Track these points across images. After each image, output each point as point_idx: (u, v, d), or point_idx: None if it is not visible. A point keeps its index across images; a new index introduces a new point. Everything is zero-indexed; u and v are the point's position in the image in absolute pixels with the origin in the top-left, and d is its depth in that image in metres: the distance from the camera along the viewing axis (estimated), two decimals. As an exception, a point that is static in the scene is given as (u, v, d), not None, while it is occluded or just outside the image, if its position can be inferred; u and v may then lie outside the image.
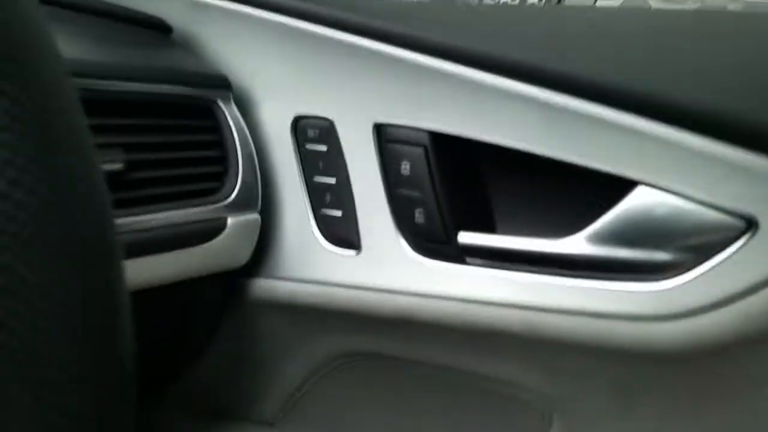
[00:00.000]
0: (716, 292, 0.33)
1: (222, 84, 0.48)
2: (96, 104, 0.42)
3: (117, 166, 0.42)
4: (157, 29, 0.50)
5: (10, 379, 0.18)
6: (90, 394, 0.20)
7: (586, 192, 0.36)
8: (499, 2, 0.76)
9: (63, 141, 0.21)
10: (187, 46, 0.50)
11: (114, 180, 0.42)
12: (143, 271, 0.44)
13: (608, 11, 0.47)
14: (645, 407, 0.42)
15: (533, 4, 0.75)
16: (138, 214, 0.43)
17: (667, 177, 0.33)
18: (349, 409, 0.55)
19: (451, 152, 0.41)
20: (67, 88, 0.22)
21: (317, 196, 0.47)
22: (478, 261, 0.41)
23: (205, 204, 0.47)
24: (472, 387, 0.47)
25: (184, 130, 0.47)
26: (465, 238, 0.41)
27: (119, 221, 0.42)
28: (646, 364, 0.39)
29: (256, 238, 0.50)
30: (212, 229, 0.47)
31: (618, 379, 0.41)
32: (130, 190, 0.43)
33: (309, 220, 0.48)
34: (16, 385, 0.18)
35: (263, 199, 0.49)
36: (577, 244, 0.36)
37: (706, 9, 0.60)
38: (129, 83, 0.44)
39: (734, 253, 0.32)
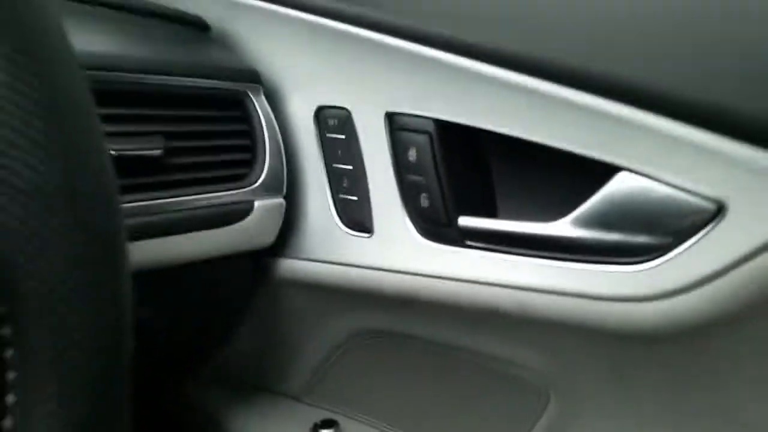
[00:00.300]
0: (689, 275, 0.34)
1: (253, 78, 0.53)
2: (139, 96, 0.48)
3: (157, 152, 0.47)
4: (196, 26, 0.55)
5: (34, 316, 0.22)
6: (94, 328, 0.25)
7: (575, 177, 0.38)
8: None
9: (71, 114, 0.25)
10: (222, 42, 0.55)
11: (154, 164, 0.47)
12: (179, 248, 0.49)
13: None
14: (637, 385, 0.43)
15: None
16: (175, 196, 0.48)
17: (646, 162, 0.35)
18: (365, 384, 0.59)
19: (453, 140, 0.45)
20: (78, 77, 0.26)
21: (336, 182, 0.52)
22: (477, 244, 0.44)
23: (234, 188, 0.52)
24: (475, 365, 0.50)
25: (217, 120, 0.52)
26: (465, 221, 0.44)
27: (159, 202, 0.47)
28: (635, 343, 0.41)
29: (281, 220, 0.54)
30: (241, 211, 0.52)
31: (610, 357, 0.43)
32: (168, 174, 0.48)
33: (329, 204, 0.52)
34: (37, 321, 0.23)
35: (288, 184, 0.54)
36: (564, 227, 0.39)
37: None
38: (169, 77, 0.49)
39: (705, 236, 0.34)
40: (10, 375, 0.21)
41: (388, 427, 0.58)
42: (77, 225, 0.24)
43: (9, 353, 0.22)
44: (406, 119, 0.46)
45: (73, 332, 0.23)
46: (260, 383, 0.66)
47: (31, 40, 0.23)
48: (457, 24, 0.42)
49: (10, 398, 0.22)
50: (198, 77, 0.51)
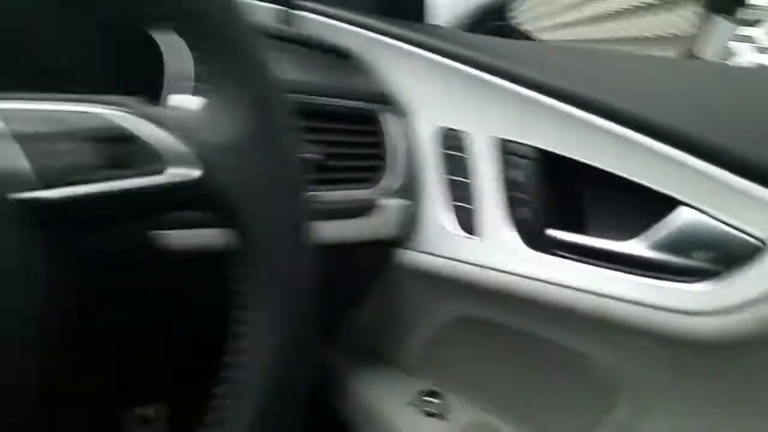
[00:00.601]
0: (736, 297, 0.43)
1: (386, 100, 0.65)
2: (302, 113, 0.62)
3: (317, 156, 0.61)
4: (340, 55, 0.69)
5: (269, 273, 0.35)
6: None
7: (647, 205, 0.48)
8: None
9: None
10: (361, 69, 0.69)
11: (314, 167, 0.61)
12: (327, 231, 0.63)
13: (692, 64, 0.56)
14: (697, 389, 0.52)
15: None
16: (328, 191, 0.62)
17: (704, 201, 0.44)
18: (466, 363, 0.71)
19: (550, 166, 0.55)
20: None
21: (451, 191, 0.63)
22: (562, 253, 0.54)
23: (367, 188, 0.65)
24: (558, 357, 0.60)
25: (355, 133, 0.65)
26: (554, 233, 0.54)
27: (317, 195, 0.61)
28: (695, 351, 0.49)
29: (403, 218, 0.67)
30: (370, 208, 0.65)
31: (673, 362, 0.52)
32: (323, 173, 0.62)
33: (444, 208, 0.64)
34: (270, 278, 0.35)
35: (411, 188, 0.66)
36: (635, 246, 0.48)
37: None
38: (321, 98, 0.63)
39: (751, 267, 0.42)
40: (249, 314, 0.34)
41: (482, 401, 0.69)
42: (294, 219, 0.36)
43: (249, 300, 0.34)
44: (513, 145, 0.56)
45: (289, 280, 0.35)
46: (377, 354, 0.80)
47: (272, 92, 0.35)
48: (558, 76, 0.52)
49: (247, 329, 0.34)
50: (342, 98, 0.64)
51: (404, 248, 0.69)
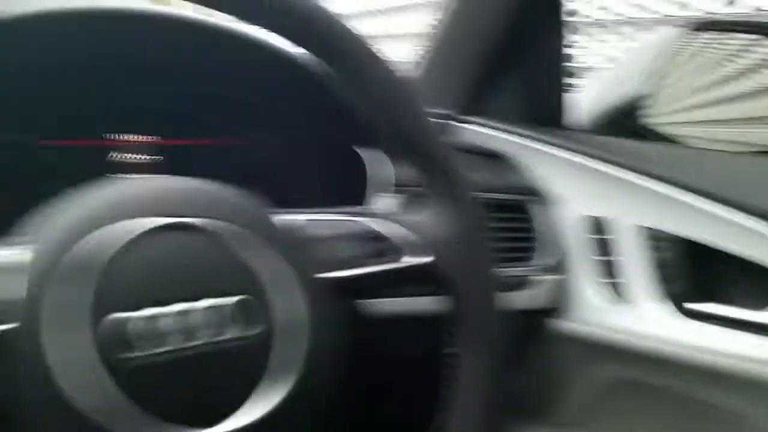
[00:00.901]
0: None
1: (534, 192, 0.80)
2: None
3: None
4: (497, 158, 0.85)
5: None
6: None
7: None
8: None
9: None
10: (513, 168, 0.84)
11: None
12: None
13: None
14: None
15: None
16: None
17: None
18: (620, 421, 0.80)
19: (685, 246, 0.66)
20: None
21: (598, 268, 0.75)
22: (704, 320, 0.64)
23: (522, 266, 0.79)
24: (711, 416, 0.69)
25: (511, 219, 0.80)
26: (694, 303, 0.65)
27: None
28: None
29: (555, 290, 0.80)
30: (525, 282, 0.79)
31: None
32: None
33: (592, 283, 0.76)
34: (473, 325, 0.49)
35: (561, 265, 0.79)
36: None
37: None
38: (486, 193, 0.78)
39: None
40: (459, 349, 0.48)
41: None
42: (491, 290, 0.49)
43: (462, 351, 0.48)
44: (653, 232, 0.69)
45: (489, 335, 0.48)
46: (534, 412, 0.91)
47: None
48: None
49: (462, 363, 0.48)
50: (499, 192, 0.79)
51: (557, 317, 0.81)
